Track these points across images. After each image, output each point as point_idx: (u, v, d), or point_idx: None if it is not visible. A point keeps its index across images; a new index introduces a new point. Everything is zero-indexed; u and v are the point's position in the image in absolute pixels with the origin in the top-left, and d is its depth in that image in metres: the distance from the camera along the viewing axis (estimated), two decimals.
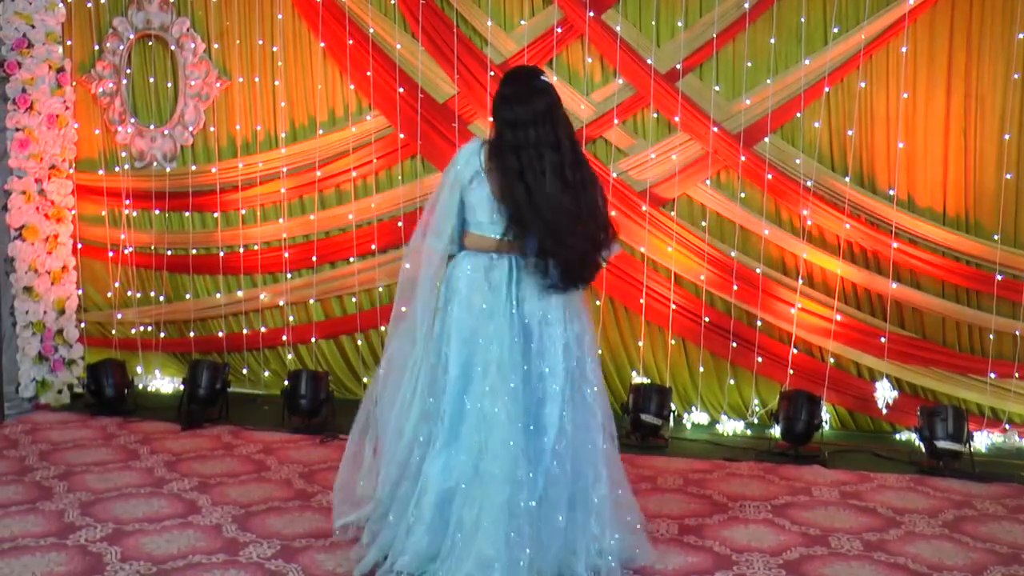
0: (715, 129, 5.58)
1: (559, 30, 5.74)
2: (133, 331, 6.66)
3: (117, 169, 6.56)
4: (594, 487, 3.48)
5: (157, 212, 6.55)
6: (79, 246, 6.52)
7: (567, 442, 3.42)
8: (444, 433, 3.44)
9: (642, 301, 5.77)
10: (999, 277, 5.31)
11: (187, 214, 6.52)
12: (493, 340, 3.40)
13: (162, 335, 6.63)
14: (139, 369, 6.58)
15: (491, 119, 3.54)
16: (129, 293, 6.69)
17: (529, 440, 3.37)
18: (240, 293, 6.46)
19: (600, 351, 3.55)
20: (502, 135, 3.44)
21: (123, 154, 6.57)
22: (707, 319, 5.73)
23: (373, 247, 6.18)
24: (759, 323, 5.67)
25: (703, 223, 5.73)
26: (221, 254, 6.45)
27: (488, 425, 3.36)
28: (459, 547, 3.32)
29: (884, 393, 5.44)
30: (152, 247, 6.58)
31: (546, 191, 3.32)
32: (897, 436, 5.57)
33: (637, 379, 5.76)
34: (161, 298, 6.65)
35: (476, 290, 3.48)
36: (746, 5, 5.49)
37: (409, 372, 3.60)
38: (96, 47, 6.54)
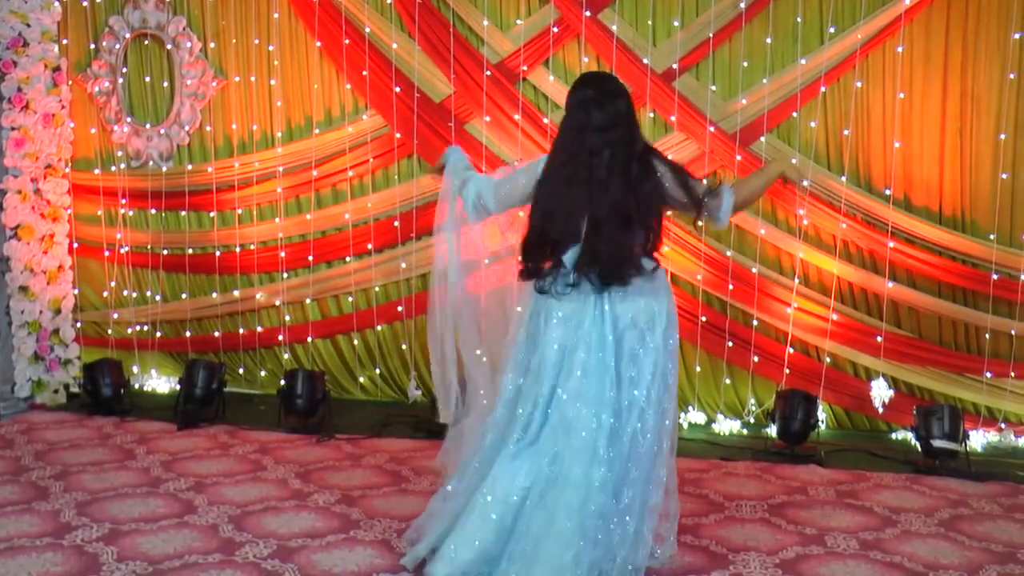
0: (711, 129, 5.58)
1: (555, 30, 5.74)
2: (129, 331, 6.65)
3: (113, 168, 6.55)
4: (655, 493, 3.45)
5: (153, 211, 6.54)
6: (75, 245, 6.52)
7: (645, 448, 3.40)
8: (521, 435, 3.44)
9: None
10: (995, 276, 5.32)
11: (183, 213, 6.52)
12: (579, 346, 3.38)
13: (158, 335, 6.62)
14: (135, 369, 6.57)
15: (562, 120, 3.48)
16: (125, 292, 6.69)
17: (611, 445, 3.34)
18: (236, 293, 6.46)
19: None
20: (571, 139, 3.38)
21: (119, 153, 6.56)
22: (703, 319, 5.73)
23: (369, 247, 6.18)
24: (755, 322, 5.67)
25: (699, 223, 5.72)
26: (217, 254, 6.45)
27: (569, 429, 3.34)
28: (529, 551, 3.30)
29: (880, 392, 5.45)
30: (148, 246, 6.57)
31: (603, 194, 3.29)
32: (893, 435, 5.58)
33: None
34: (157, 298, 6.64)
35: (563, 298, 3.43)
36: (742, 5, 5.50)
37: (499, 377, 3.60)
38: (92, 46, 6.53)
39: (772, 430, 5.34)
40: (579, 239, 3.34)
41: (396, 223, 6.08)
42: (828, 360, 5.64)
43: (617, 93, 3.41)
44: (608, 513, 3.31)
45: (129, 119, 6.52)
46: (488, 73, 5.83)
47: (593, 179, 3.31)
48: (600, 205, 3.31)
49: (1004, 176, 5.32)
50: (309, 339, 6.36)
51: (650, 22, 5.68)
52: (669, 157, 3.60)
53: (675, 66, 5.63)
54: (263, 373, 6.48)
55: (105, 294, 6.72)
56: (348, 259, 6.25)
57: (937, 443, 4.98)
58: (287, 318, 6.41)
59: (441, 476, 3.82)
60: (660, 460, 3.46)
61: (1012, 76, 5.25)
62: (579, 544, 3.25)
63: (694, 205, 3.47)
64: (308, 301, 6.36)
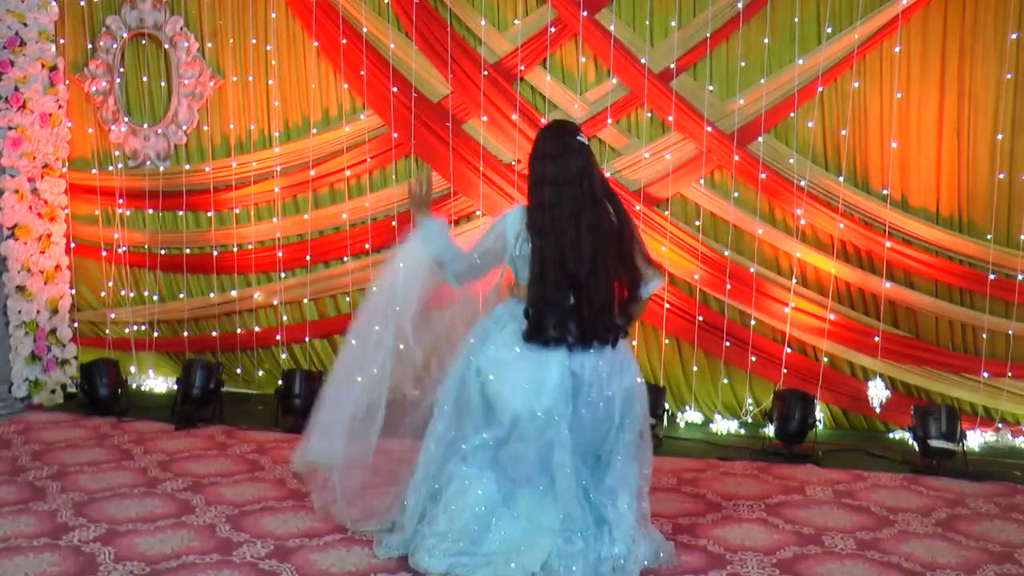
0: (709, 129, 5.59)
1: (553, 30, 5.74)
2: (127, 330, 6.64)
3: (111, 168, 6.54)
4: (617, 509, 3.56)
5: (151, 211, 6.53)
6: (72, 245, 6.51)
7: (610, 483, 3.56)
8: (481, 457, 3.57)
9: None
10: (992, 276, 5.33)
11: (181, 213, 6.51)
12: (542, 386, 3.49)
13: (156, 334, 6.62)
14: (133, 369, 6.57)
15: (528, 176, 3.59)
16: (123, 292, 6.68)
17: (578, 481, 3.50)
18: (234, 292, 6.45)
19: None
20: (535, 194, 3.51)
21: (116, 153, 6.55)
22: (701, 318, 5.73)
23: (367, 246, 6.18)
24: (753, 322, 5.67)
25: (697, 223, 5.73)
26: (215, 253, 6.44)
27: (533, 467, 3.51)
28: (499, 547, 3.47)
29: (878, 392, 5.45)
30: (146, 246, 6.57)
31: (575, 248, 3.41)
32: (891, 435, 5.59)
33: None
34: (155, 297, 6.63)
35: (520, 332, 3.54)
36: (740, 5, 5.50)
37: (445, 390, 3.70)
38: (89, 46, 6.52)
39: (770, 430, 5.34)
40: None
41: (394, 223, 6.07)
42: (826, 360, 5.65)
43: (574, 150, 3.51)
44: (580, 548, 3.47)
45: (126, 119, 6.51)
46: (485, 73, 5.83)
47: (561, 234, 3.41)
48: (578, 263, 3.42)
49: (1001, 176, 5.32)
50: (307, 339, 6.35)
51: (647, 22, 5.68)
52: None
53: (673, 66, 5.63)
54: (261, 373, 6.48)
55: (102, 294, 6.72)
56: (346, 259, 6.25)
57: (934, 443, 4.98)
58: (285, 318, 6.41)
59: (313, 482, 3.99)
60: (626, 482, 3.59)
61: (1009, 76, 5.25)
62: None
63: (646, 262, 3.58)
64: (306, 301, 6.36)
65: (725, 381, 5.82)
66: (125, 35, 6.43)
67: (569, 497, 3.47)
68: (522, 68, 5.82)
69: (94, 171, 6.55)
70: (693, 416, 5.80)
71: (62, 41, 6.42)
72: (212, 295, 6.50)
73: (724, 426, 5.69)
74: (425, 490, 3.66)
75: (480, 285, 3.84)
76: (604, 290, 3.46)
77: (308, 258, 6.29)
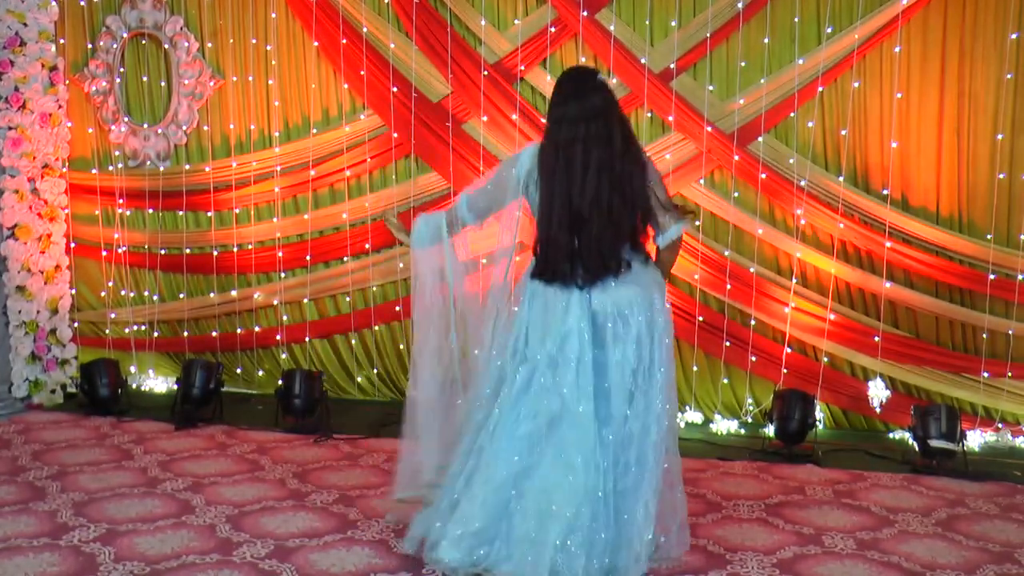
0: (709, 129, 5.59)
1: (553, 30, 5.74)
2: (127, 330, 6.64)
3: (111, 168, 6.54)
4: (648, 482, 3.45)
5: (151, 211, 6.53)
6: (72, 245, 6.51)
7: (629, 436, 3.43)
8: (508, 421, 3.47)
9: None
10: (992, 276, 5.32)
11: (181, 213, 6.51)
12: (566, 334, 3.42)
13: (156, 334, 6.62)
14: (133, 369, 6.57)
15: (547, 117, 3.53)
16: (123, 292, 6.68)
17: (598, 431, 3.39)
18: (234, 293, 6.45)
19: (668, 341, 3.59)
20: (551, 132, 3.45)
21: (116, 153, 6.55)
22: (701, 318, 5.73)
23: (367, 246, 6.18)
24: (753, 322, 5.67)
25: (697, 223, 5.73)
26: (215, 253, 6.44)
27: (557, 416, 3.40)
28: (521, 534, 3.37)
29: (878, 392, 5.45)
30: (146, 246, 6.57)
31: (580, 187, 3.34)
32: (891, 435, 5.58)
33: None
34: (155, 297, 6.64)
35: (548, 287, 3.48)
36: (740, 5, 5.50)
37: (485, 366, 3.65)
38: (89, 45, 6.53)
39: (770, 430, 5.34)
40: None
41: None
42: (826, 360, 5.65)
43: (595, 87, 3.44)
44: (601, 499, 3.36)
45: (126, 119, 6.51)
46: (485, 73, 5.83)
47: (572, 173, 3.35)
48: (581, 200, 3.35)
49: (1001, 176, 5.32)
50: (307, 339, 6.36)
51: (647, 22, 5.68)
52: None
53: (673, 66, 5.63)
54: (261, 373, 6.48)
55: (103, 294, 6.72)
56: (346, 259, 6.25)
57: (934, 443, 4.98)
58: (285, 318, 6.41)
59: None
60: (651, 448, 3.45)
61: (1009, 76, 5.25)
62: (581, 526, 3.31)
63: (664, 209, 3.52)
64: (306, 301, 6.36)
65: (725, 381, 5.82)
66: (125, 35, 6.43)
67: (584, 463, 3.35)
68: (522, 68, 5.82)
69: (94, 171, 6.55)
70: (693, 416, 5.80)
71: (62, 41, 6.42)
72: (212, 295, 6.50)
73: (724, 426, 5.68)
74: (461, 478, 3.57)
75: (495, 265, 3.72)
76: (608, 227, 3.37)
77: (308, 258, 6.29)
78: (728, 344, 5.73)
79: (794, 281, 5.62)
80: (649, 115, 5.73)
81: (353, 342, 6.33)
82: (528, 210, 3.58)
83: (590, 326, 3.43)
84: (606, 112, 3.42)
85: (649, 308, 3.47)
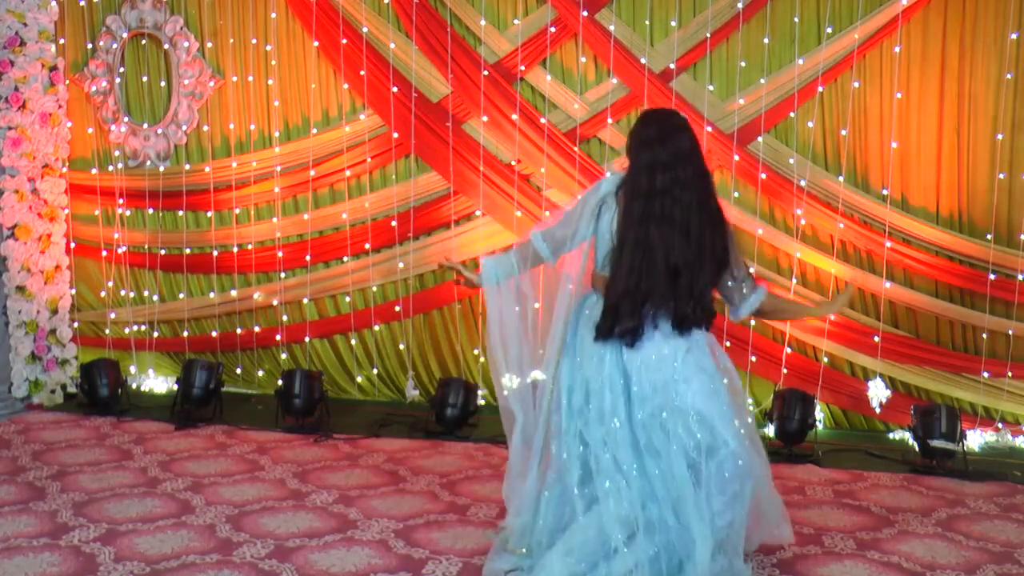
0: (709, 129, 5.59)
1: (553, 29, 5.74)
2: (127, 330, 6.64)
3: (110, 168, 6.54)
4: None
5: (151, 211, 6.53)
6: (72, 245, 6.51)
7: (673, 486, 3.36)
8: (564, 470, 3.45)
9: None
10: (992, 276, 5.33)
11: (181, 213, 6.51)
12: (605, 384, 3.39)
13: (156, 334, 6.61)
14: (133, 369, 6.57)
15: (627, 158, 3.46)
16: (123, 292, 6.68)
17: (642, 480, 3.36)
18: (234, 293, 6.45)
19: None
20: (646, 179, 3.33)
21: (116, 153, 6.55)
22: None
23: (367, 246, 6.17)
24: (752, 322, 5.67)
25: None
26: (215, 253, 6.44)
27: (606, 468, 3.35)
28: None
29: (878, 392, 5.45)
30: (146, 246, 6.57)
31: (666, 240, 3.27)
32: (891, 435, 5.58)
33: None
34: (155, 297, 6.63)
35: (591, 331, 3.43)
36: (740, 5, 5.50)
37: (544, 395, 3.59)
38: (89, 45, 6.52)
39: (770, 430, 5.33)
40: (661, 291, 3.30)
41: (394, 223, 6.08)
42: (826, 360, 5.65)
43: (679, 127, 3.41)
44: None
45: (126, 119, 6.51)
46: (485, 73, 5.83)
47: (670, 221, 3.26)
48: (682, 250, 3.27)
49: (1001, 176, 5.33)
50: (307, 339, 6.35)
51: (647, 22, 5.68)
52: None
53: (672, 66, 5.63)
54: (261, 373, 6.48)
55: (102, 294, 6.71)
56: (346, 259, 6.25)
57: (934, 443, 4.98)
58: (285, 318, 6.41)
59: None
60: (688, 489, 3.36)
61: (1009, 76, 5.25)
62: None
63: (732, 275, 3.49)
64: (306, 301, 6.35)
65: (725, 381, 5.80)
66: (125, 35, 6.43)
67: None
68: (522, 68, 5.82)
69: (94, 171, 6.54)
70: None
71: (62, 41, 6.42)
72: (212, 295, 6.50)
73: None
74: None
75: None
76: (709, 273, 3.33)
77: (308, 258, 6.28)
78: (728, 344, 5.72)
79: (794, 281, 5.62)
80: None
81: (353, 342, 6.33)
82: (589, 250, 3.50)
83: (622, 377, 3.40)
84: (695, 151, 3.39)
85: (700, 354, 3.50)
